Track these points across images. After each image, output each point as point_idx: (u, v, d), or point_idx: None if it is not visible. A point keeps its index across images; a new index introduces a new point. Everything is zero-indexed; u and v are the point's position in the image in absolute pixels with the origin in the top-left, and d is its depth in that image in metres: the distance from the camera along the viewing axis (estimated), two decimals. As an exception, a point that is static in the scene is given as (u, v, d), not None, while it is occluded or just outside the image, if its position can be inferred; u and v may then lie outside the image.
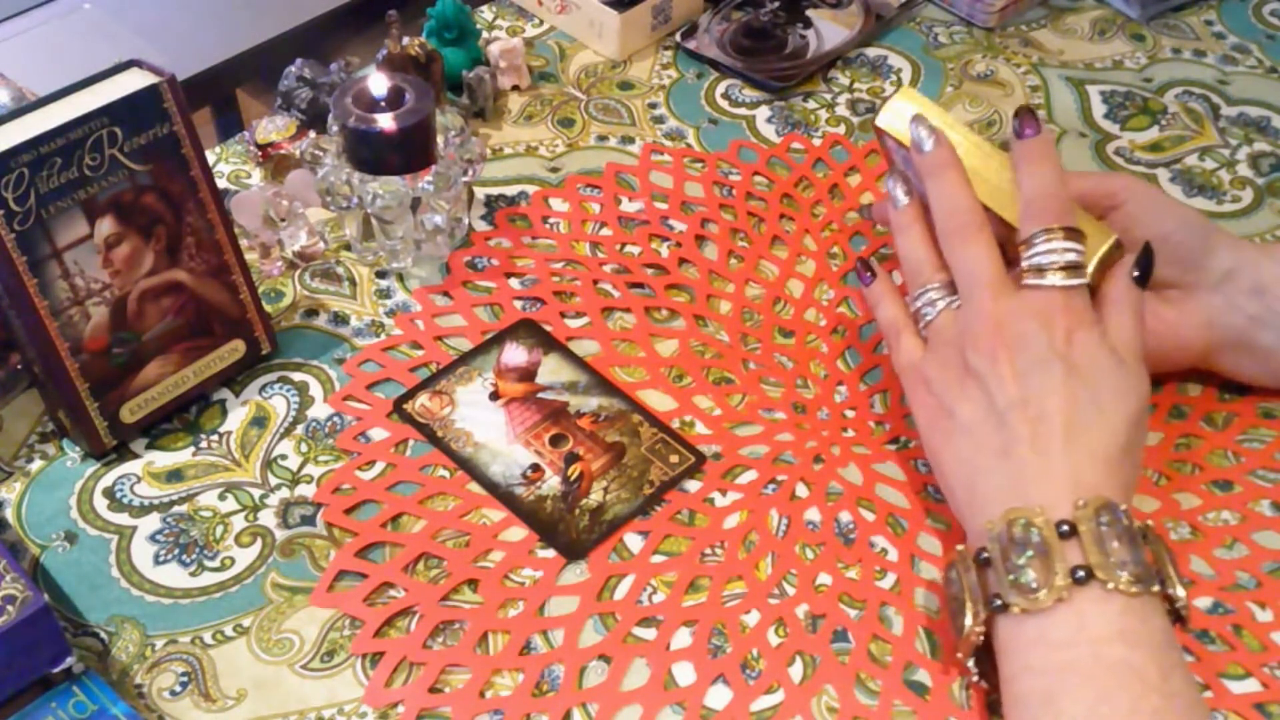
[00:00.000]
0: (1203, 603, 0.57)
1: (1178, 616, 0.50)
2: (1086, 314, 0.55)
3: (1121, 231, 0.61)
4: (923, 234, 0.60)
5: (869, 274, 0.62)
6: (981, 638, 0.51)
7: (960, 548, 0.54)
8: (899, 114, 0.62)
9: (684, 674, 0.54)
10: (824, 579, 0.57)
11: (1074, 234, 0.55)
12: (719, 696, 0.53)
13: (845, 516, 0.60)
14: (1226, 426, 0.64)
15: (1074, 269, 0.55)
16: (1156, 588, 0.49)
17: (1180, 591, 0.50)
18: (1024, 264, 0.56)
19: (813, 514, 0.60)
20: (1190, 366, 0.64)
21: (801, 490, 0.61)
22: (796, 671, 0.54)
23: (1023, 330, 0.54)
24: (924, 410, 0.58)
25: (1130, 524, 0.50)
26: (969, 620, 0.51)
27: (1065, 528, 0.50)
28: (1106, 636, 0.48)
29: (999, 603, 0.50)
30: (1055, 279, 0.55)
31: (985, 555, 0.52)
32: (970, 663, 0.52)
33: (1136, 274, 0.56)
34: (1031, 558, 0.50)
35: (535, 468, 0.61)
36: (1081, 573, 0.49)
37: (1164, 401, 0.65)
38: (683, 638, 0.55)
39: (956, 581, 0.53)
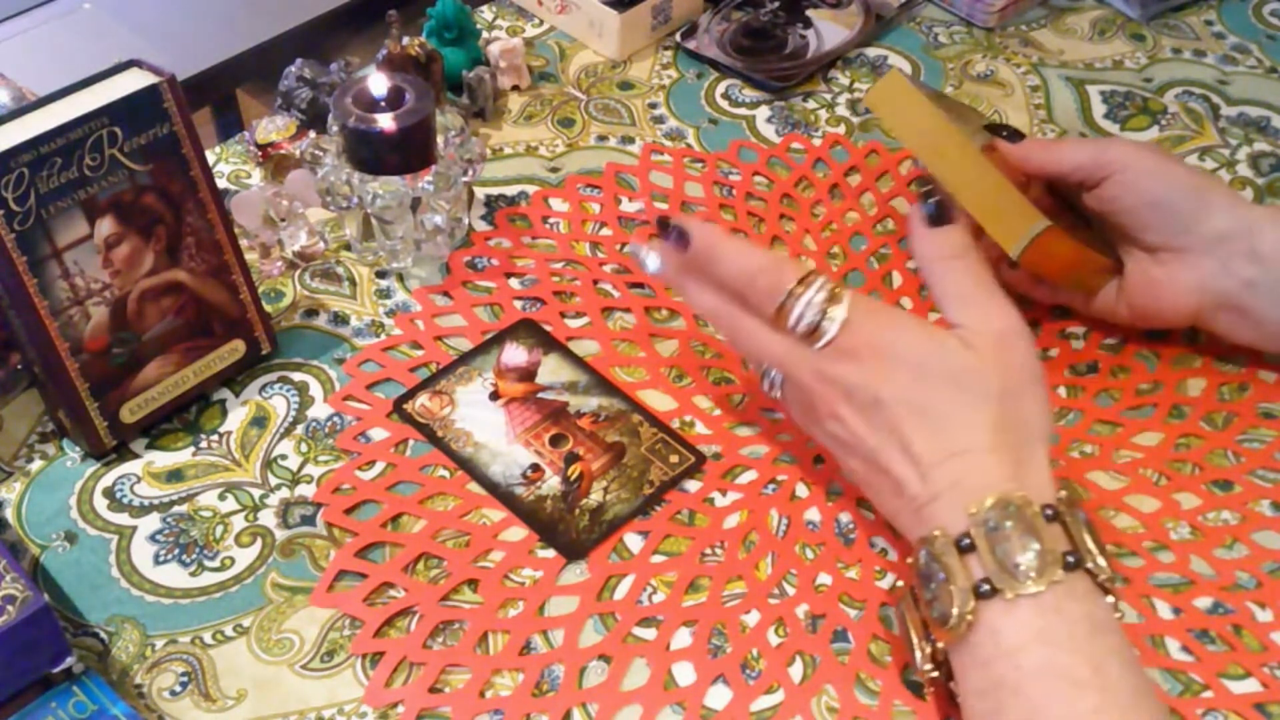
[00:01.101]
0: (1203, 603, 0.57)
1: (1106, 590, 0.48)
2: (879, 325, 0.53)
3: (1112, 199, 0.62)
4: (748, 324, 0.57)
5: None
6: (935, 673, 0.51)
7: (900, 583, 0.54)
8: (884, 99, 0.64)
9: (684, 674, 0.54)
10: (824, 579, 0.57)
11: (802, 278, 0.53)
12: (719, 696, 0.53)
13: (845, 516, 0.60)
14: (1226, 426, 0.64)
15: (831, 299, 0.53)
16: (1061, 573, 0.47)
17: (1100, 562, 0.48)
18: (800, 333, 0.54)
19: (813, 514, 0.60)
20: (1185, 326, 0.65)
21: (801, 490, 0.61)
22: (796, 671, 0.54)
23: (843, 383, 0.53)
24: (844, 470, 0.57)
25: (1023, 510, 0.49)
26: (918, 658, 0.51)
27: (965, 542, 0.49)
28: (1023, 643, 0.47)
29: (931, 637, 0.50)
30: (831, 322, 0.53)
31: (914, 592, 0.52)
32: (951, 684, 0.51)
33: (925, 214, 0.55)
34: (937, 588, 0.49)
35: (535, 468, 0.61)
36: (985, 587, 0.48)
37: (1164, 401, 0.65)
38: (683, 638, 0.55)
39: (901, 620, 0.53)
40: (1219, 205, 0.61)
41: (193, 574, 0.57)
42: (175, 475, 0.61)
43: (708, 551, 0.58)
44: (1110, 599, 0.49)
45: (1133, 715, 0.46)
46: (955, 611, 0.48)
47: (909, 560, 0.52)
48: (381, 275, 0.70)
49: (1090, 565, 0.48)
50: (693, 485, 0.61)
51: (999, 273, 0.58)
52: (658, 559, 0.58)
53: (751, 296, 0.55)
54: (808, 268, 0.54)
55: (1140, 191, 0.61)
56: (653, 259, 0.58)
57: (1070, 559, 0.48)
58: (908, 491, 0.52)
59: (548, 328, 0.67)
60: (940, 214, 0.55)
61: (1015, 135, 0.64)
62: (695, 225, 0.56)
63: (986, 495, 0.49)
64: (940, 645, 0.50)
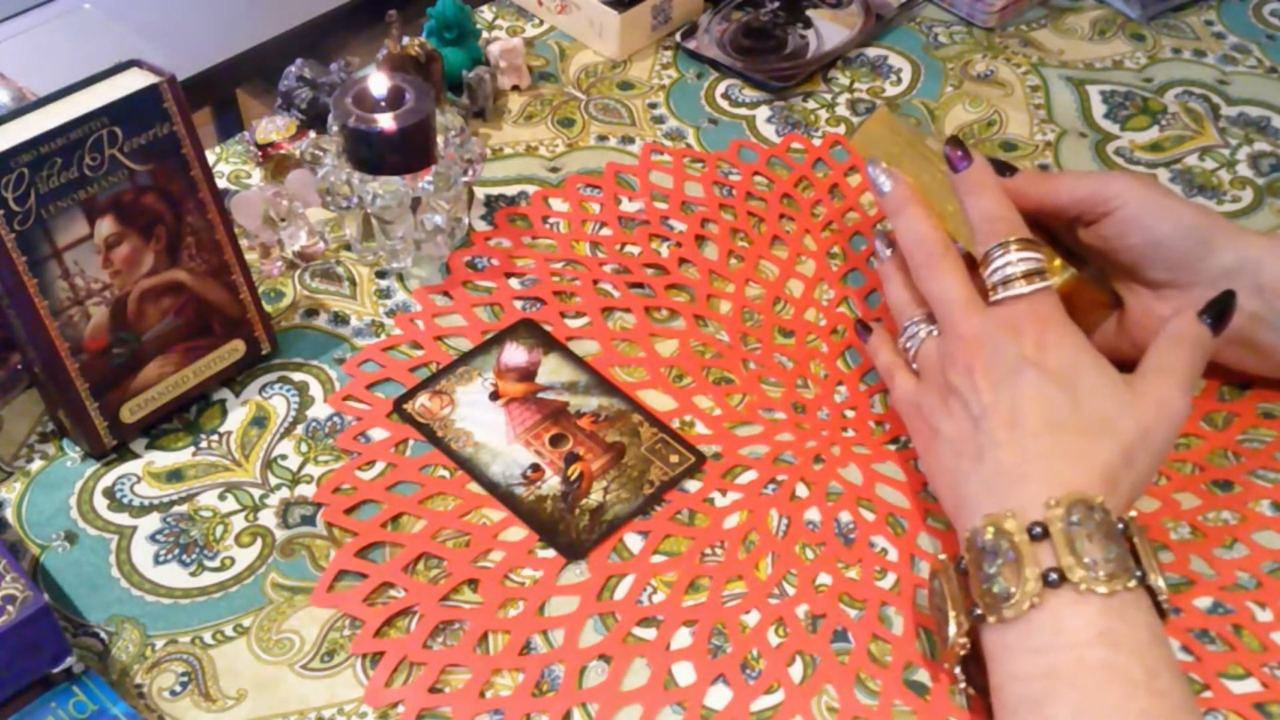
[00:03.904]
0: (1203, 603, 0.57)
1: (1161, 610, 0.50)
2: (1055, 317, 0.55)
3: (1115, 236, 0.61)
4: (905, 279, 0.62)
5: (866, 331, 0.65)
6: (966, 648, 0.51)
7: (943, 556, 0.55)
8: (870, 140, 0.66)
9: (684, 674, 0.54)
10: (824, 579, 0.57)
11: (1028, 244, 0.57)
12: (719, 696, 0.53)
13: (845, 516, 0.60)
14: (1226, 426, 0.64)
15: (1035, 275, 0.56)
16: (1133, 583, 0.49)
17: (1160, 582, 0.49)
18: (987, 282, 0.57)
19: (813, 514, 0.60)
20: None
21: (801, 490, 0.61)
22: (796, 671, 0.54)
23: (995, 342, 0.55)
24: (918, 436, 0.59)
25: (1105, 517, 0.50)
26: (952, 630, 0.51)
27: (1037, 530, 0.50)
28: (1086, 639, 0.48)
29: (978, 612, 0.50)
30: (1018, 287, 0.56)
31: (963, 564, 0.52)
32: (957, 670, 0.52)
33: (1205, 317, 0.56)
34: (1002, 565, 0.50)
35: (535, 468, 0.61)
36: (1054, 576, 0.49)
37: (1164, 401, 0.65)
38: (683, 638, 0.55)
39: (940, 591, 0.53)
40: (1222, 241, 0.61)
41: (193, 574, 0.57)
42: (175, 475, 0.61)
43: (708, 551, 0.58)
44: (1164, 620, 0.50)
45: None
46: (1018, 593, 0.49)
47: (965, 530, 0.53)
48: (381, 275, 0.70)
49: (1153, 583, 0.49)
50: (693, 485, 0.61)
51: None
52: (658, 559, 0.58)
53: (979, 236, 0.58)
54: (1035, 239, 0.57)
55: (1143, 229, 0.61)
56: (887, 182, 0.62)
57: (1138, 573, 0.49)
58: (995, 457, 0.53)
59: (548, 328, 0.67)
60: (1223, 323, 0.57)
61: (1004, 169, 0.63)
62: (978, 157, 0.60)
63: (1071, 492, 0.50)
64: (991, 620, 0.50)
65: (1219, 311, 0.57)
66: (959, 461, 0.55)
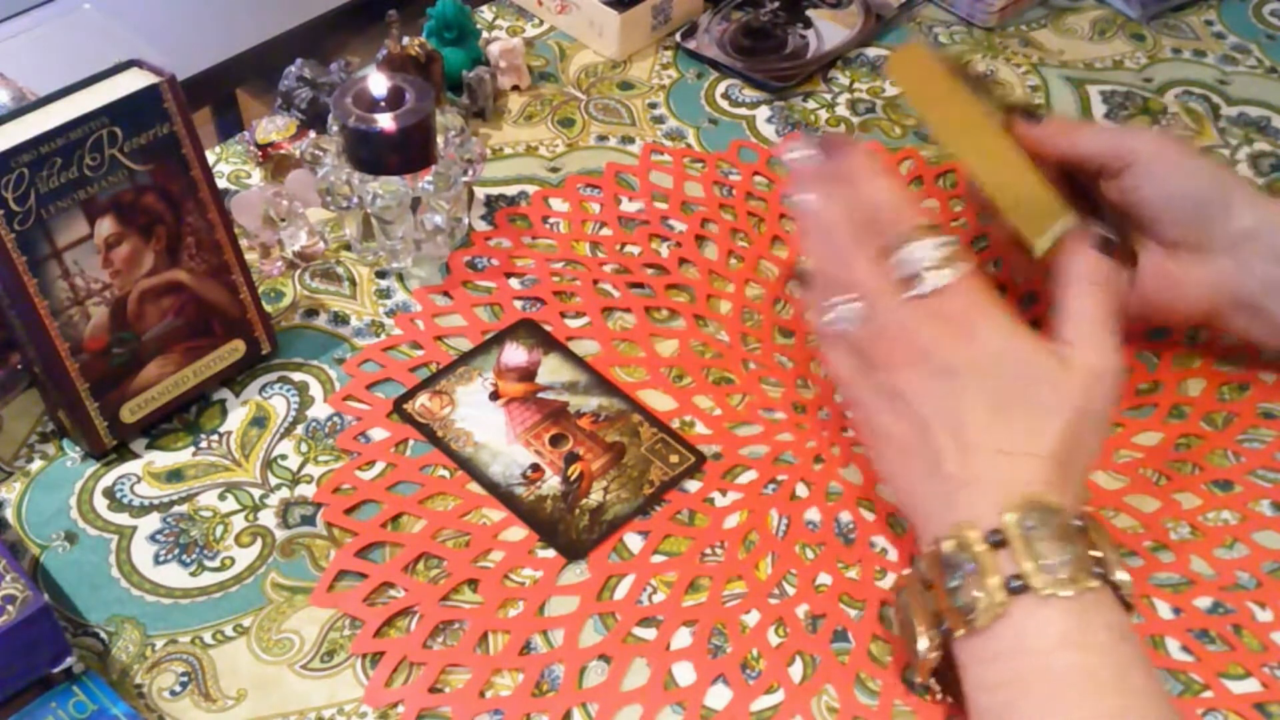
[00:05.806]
0: (1203, 603, 0.57)
1: (1126, 604, 0.49)
2: (979, 302, 0.52)
3: (1132, 189, 0.61)
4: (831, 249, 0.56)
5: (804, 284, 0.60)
6: (938, 660, 0.51)
7: (907, 571, 0.54)
8: (906, 66, 0.63)
9: (684, 674, 0.54)
10: (824, 579, 0.57)
11: (933, 230, 0.53)
12: (719, 696, 0.53)
13: (845, 516, 0.60)
14: (1226, 426, 0.64)
15: (948, 262, 0.52)
16: (1095, 582, 0.47)
17: (1122, 576, 0.48)
18: (897, 275, 0.53)
19: (813, 514, 0.60)
20: (1199, 323, 0.64)
21: (801, 490, 0.61)
22: (796, 671, 0.54)
23: (921, 341, 0.52)
24: (860, 428, 0.58)
25: (1060, 517, 0.49)
26: (923, 646, 0.50)
27: (995, 537, 0.49)
28: (1051, 644, 0.47)
29: (945, 626, 0.50)
30: (932, 280, 0.52)
31: (928, 579, 0.51)
32: (932, 681, 0.52)
33: (1097, 246, 0.54)
34: (964, 578, 0.49)
35: (535, 468, 0.61)
36: (1016, 583, 0.48)
37: (1164, 401, 0.65)
38: (683, 638, 0.55)
39: (907, 606, 0.52)
40: (1240, 203, 0.60)
41: (193, 574, 0.57)
42: (175, 475, 0.61)
43: (708, 551, 0.58)
44: (1130, 614, 0.49)
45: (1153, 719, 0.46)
46: (983, 604, 0.48)
47: (925, 546, 0.52)
48: (381, 275, 0.70)
49: (1115, 578, 0.49)
50: (693, 485, 0.61)
51: (1016, 257, 0.62)
52: (658, 559, 0.58)
53: (871, 226, 0.54)
54: (937, 224, 0.53)
55: (1161, 183, 0.60)
56: (798, 152, 0.57)
57: (1098, 570, 0.48)
58: (944, 469, 0.51)
59: (548, 328, 0.67)
60: (1119, 249, 0.54)
61: (1034, 115, 0.62)
62: (851, 147, 0.56)
63: (1026, 495, 0.49)
64: (959, 633, 0.49)
65: (1106, 242, 0.54)
66: (908, 469, 0.53)
